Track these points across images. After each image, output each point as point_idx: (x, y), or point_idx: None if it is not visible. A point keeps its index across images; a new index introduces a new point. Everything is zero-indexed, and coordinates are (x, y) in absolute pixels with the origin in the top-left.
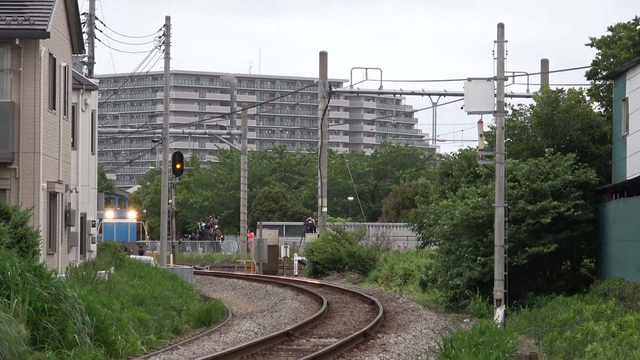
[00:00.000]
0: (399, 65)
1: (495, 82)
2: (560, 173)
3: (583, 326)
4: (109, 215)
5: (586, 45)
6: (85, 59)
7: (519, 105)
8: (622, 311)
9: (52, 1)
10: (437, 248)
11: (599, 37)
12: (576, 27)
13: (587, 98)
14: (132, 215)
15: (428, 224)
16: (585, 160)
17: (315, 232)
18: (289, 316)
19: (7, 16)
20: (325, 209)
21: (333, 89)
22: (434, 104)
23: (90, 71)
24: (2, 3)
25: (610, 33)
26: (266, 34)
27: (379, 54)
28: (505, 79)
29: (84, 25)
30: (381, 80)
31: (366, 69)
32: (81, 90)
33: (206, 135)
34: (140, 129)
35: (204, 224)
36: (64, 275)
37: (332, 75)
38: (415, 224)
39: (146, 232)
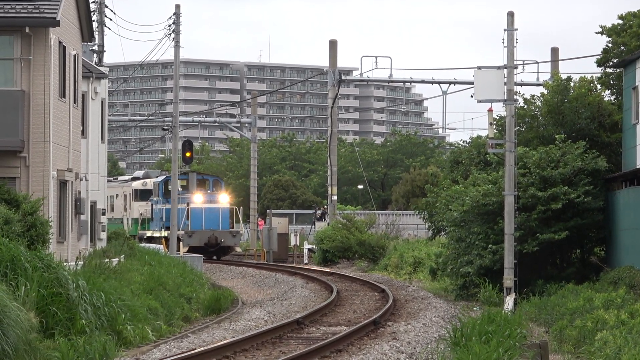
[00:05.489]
0: (409, 52)
1: (505, 70)
2: (570, 161)
3: (593, 314)
4: (197, 199)
5: (596, 33)
6: (95, 47)
7: (530, 95)
8: (632, 299)
9: None
10: (448, 236)
11: (609, 25)
12: (587, 15)
13: (598, 86)
14: (224, 199)
15: (440, 208)
16: (595, 149)
17: (324, 220)
18: (299, 304)
19: (17, 4)
20: (335, 197)
21: (343, 78)
22: (444, 92)
23: (100, 59)
24: None
25: (620, 21)
26: (276, 21)
27: (389, 40)
28: (515, 67)
29: (93, 14)
30: (391, 69)
31: (376, 57)
32: (91, 78)
33: (216, 124)
34: (150, 117)
35: None
36: (73, 263)
37: (342, 63)
38: (425, 212)
39: (240, 219)
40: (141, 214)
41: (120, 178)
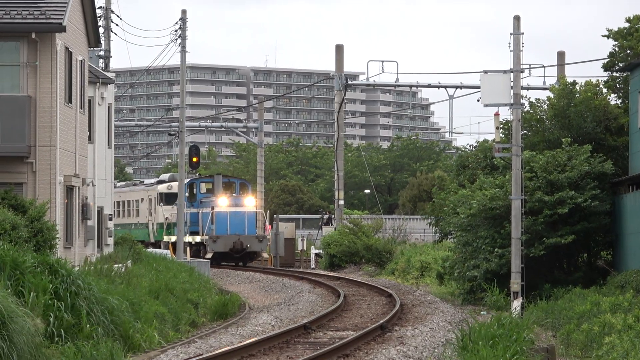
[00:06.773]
0: (415, 56)
1: (512, 74)
2: (577, 165)
3: (600, 318)
4: (222, 202)
5: (603, 36)
6: (102, 53)
7: (536, 99)
8: (639, 303)
9: None
10: (454, 240)
11: (615, 28)
12: (593, 18)
13: (605, 90)
14: (250, 202)
15: (447, 212)
16: (602, 152)
17: (331, 224)
18: (306, 309)
19: (23, 10)
20: (342, 202)
21: (349, 82)
22: (450, 97)
23: (107, 65)
24: None
25: (627, 24)
26: (282, 25)
27: (395, 44)
28: (522, 71)
29: (100, 19)
30: (397, 73)
31: (382, 61)
32: (97, 83)
33: (222, 129)
34: (157, 123)
35: None
36: (77, 268)
37: (348, 67)
38: (432, 217)
39: (267, 224)
40: (166, 218)
41: (146, 181)
